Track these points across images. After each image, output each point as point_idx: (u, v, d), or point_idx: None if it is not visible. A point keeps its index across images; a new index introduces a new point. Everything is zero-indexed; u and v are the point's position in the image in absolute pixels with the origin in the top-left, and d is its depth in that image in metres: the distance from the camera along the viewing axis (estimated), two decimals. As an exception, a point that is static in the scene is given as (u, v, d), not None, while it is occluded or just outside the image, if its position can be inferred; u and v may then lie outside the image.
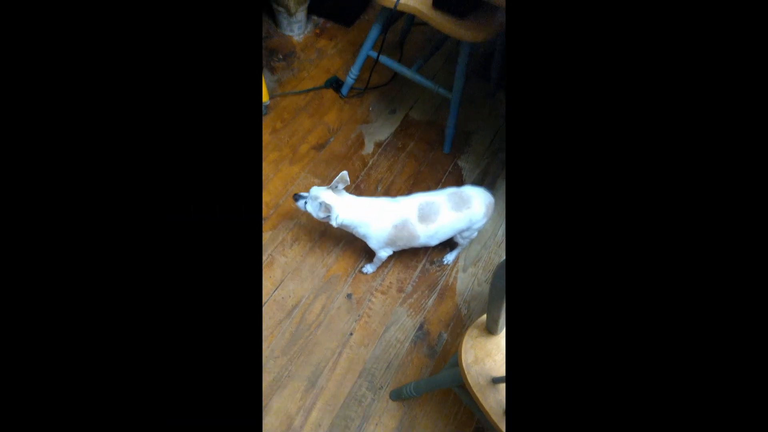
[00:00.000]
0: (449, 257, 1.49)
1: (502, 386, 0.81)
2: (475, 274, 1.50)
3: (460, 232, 1.34)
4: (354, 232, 1.31)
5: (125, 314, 0.43)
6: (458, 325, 1.41)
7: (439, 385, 1.05)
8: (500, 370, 0.82)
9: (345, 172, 1.20)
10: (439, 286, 1.47)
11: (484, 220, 1.33)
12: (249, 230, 0.47)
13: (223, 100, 0.46)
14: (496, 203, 1.37)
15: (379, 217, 1.27)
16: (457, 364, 0.92)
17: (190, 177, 0.46)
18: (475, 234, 1.40)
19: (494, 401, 0.79)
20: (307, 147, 1.70)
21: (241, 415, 0.45)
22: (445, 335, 1.38)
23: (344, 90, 1.80)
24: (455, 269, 1.50)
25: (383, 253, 1.35)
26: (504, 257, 0.62)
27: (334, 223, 1.26)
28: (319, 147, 1.71)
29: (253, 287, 0.47)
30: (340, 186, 1.23)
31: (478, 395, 0.80)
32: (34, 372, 0.41)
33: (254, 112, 0.49)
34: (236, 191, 0.47)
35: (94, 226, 0.43)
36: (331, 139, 1.73)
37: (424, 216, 1.26)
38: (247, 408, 0.45)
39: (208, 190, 0.46)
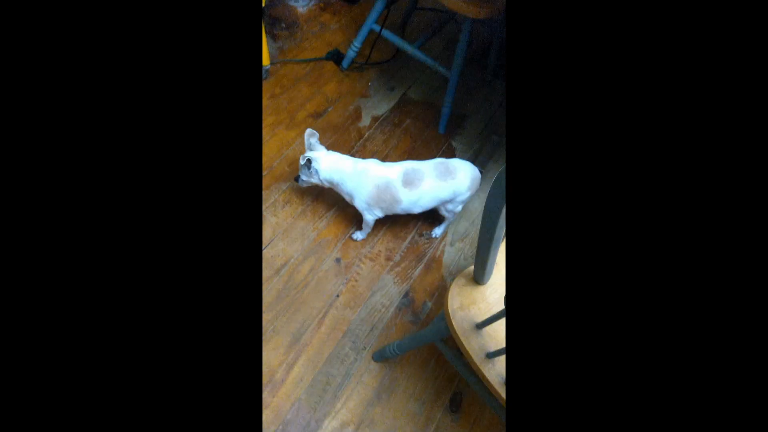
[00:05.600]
0: (438, 231, 1.52)
1: (484, 331, 0.84)
2: (461, 249, 1.53)
3: (444, 203, 1.37)
4: (339, 190, 1.35)
5: (122, 313, 0.42)
6: (442, 296, 1.43)
7: (423, 340, 1.07)
8: (483, 316, 0.85)
9: (309, 129, 1.34)
10: (426, 258, 1.49)
11: (468, 193, 1.36)
12: (248, 238, 0.46)
13: (223, 61, 0.45)
14: (483, 181, 1.40)
15: (362, 174, 1.31)
16: (440, 320, 0.95)
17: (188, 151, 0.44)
18: (460, 207, 1.43)
19: (476, 345, 0.82)
20: (304, 114, 1.71)
21: (241, 415, 0.44)
22: (429, 304, 1.41)
23: (345, 63, 1.82)
24: (443, 243, 1.53)
25: (369, 216, 1.37)
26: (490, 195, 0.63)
27: (318, 180, 1.33)
28: (317, 115, 1.72)
29: (253, 286, 0.46)
30: (313, 141, 1.34)
31: (462, 339, 0.83)
32: (33, 372, 0.40)
33: (254, 77, 0.47)
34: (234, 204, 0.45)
35: (90, 193, 0.41)
36: (329, 109, 1.75)
37: (408, 181, 1.30)
38: (247, 408, 0.44)
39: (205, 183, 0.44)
